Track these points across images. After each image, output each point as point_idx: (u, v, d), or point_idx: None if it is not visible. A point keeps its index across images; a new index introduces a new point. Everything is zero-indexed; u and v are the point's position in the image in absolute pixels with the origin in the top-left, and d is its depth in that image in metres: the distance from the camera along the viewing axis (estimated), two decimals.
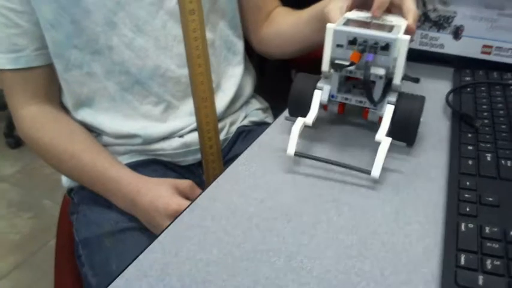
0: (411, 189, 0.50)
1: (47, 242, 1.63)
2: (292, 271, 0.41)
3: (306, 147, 0.59)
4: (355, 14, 0.58)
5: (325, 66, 0.55)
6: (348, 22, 0.55)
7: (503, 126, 0.57)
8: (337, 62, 0.52)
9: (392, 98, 0.54)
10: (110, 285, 0.40)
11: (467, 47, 0.77)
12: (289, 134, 0.55)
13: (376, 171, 0.50)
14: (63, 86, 0.75)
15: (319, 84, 0.58)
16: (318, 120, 0.59)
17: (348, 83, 0.58)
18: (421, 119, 0.55)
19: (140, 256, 0.43)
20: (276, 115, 0.93)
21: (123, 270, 0.41)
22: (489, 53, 0.76)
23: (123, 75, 0.73)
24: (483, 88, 0.68)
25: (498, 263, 0.38)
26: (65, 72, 0.73)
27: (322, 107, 0.59)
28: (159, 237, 0.45)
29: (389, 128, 0.54)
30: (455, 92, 0.68)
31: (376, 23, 0.55)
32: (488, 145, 0.54)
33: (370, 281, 0.39)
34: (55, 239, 0.87)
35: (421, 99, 0.55)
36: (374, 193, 0.50)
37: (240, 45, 0.85)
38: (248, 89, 0.89)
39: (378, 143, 0.52)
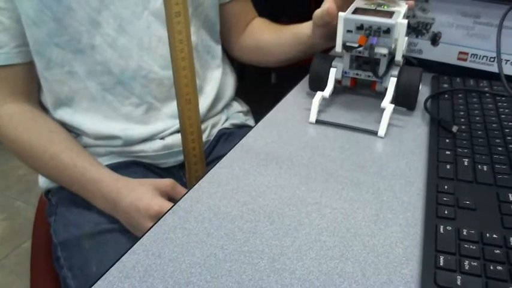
0: (391, 192, 0.51)
1: (21, 244, 1.59)
2: (275, 272, 0.41)
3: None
4: (362, 2, 0.67)
5: (338, 47, 0.65)
6: (356, 10, 0.64)
7: (480, 132, 0.59)
8: (348, 44, 0.63)
9: (395, 71, 0.65)
10: (92, 287, 0.40)
11: (444, 53, 0.79)
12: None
13: (382, 131, 0.61)
14: (43, 84, 0.74)
15: (333, 63, 0.68)
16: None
17: (358, 61, 0.67)
18: (420, 87, 0.65)
19: (122, 258, 0.43)
20: (256, 118, 0.94)
21: (105, 272, 0.41)
22: (465, 60, 0.78)
23: (105, 75, 0.73)
24: (460, 95, 0.69)
25: (475, 263, 0.39)
26: (46, 71, 0.72)
27: (337, 82, 0.69)
28: (142, 239, 0.45)
29: (393, 96, 0.64)
30: (433, 98, 0.69)
31: (380, 10, 0.64)
32: (466, 150, 0.55)
33: (352, 281, 0.40)
34: (29, 241, 0.85)
35: (419, 71, 0.65)
36: (355, 196, 0.50)
37: (218, 50, 0.87)
38: (229, 92, 0.89)
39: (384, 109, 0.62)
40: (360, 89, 0.73)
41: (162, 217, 0.48)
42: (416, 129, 0.63)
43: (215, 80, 0.85)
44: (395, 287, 0.39)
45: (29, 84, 0.74)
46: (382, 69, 0.65)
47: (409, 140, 0.61)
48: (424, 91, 0.73)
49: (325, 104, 0.70)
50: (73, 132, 0.77)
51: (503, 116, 0.63)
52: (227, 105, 0.89)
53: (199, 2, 0.78)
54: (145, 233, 0.46)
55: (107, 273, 0.41)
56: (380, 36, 0.61)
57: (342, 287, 0.40)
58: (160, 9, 0.67)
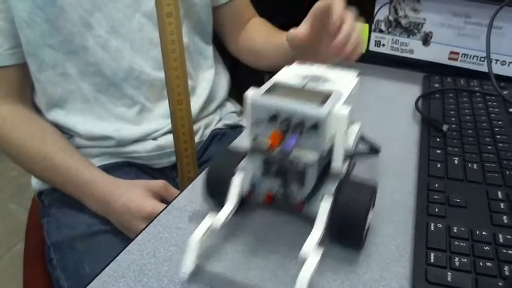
0: (383, 191, 0.52)
1: (13, 246, 1.59)
2: (275, 263, 0.41)
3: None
4: (291, 72, 0.47)
5: (248, 141, 0.41)
6: (275, 88, 0.42)
7: (470, 131, 0.60)
8: (255, 142, 0.40)
9: (329, 188, 0.42)
10: (87, 287, 0.40)
11: (435, 53, 0.80)
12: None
13: None
14: (36, 86, 0.74)
15: (240, 167, 0.45)
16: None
17: (275, 166, 0.42)
18: (370, 216, 0.42)
19: (117, 257, 0.43)
20: None
21: (100, 272, 0.41)
22: (456, 59, 0.79)
23: (97, 77, 0.73)
24: (451, 94, 0.70)
25: (465, 260, 0.39)
26: (39, 72, 0.72)
27: (245, 195, 0.44)
28: (136, 239, 0.45)
29: (328, 226, 0.41)
30: (425, 97, 0.70)
31: (310, 88, 0.43)
32: (456, 149, 0.56)
33: (345, 279, 0.40)
34: (22, 243, 0.85)
35: (369, 189, 0.42)
36: None
37: (209, 50, 0.87)
38: (221, 92, 0.89)
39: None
40: (280, 208, 0.48)
41: (155, 217, 0.48)
42: (407, 128, 0.64)
43: (207, 81, 0.85)
44: (387, 283, 0.40)
45: (22, 85, 0.74)
46: (309, 183, 0.40)
47: (400, 139, 0.61)
48: (415, 90, 0.74)
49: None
50: (66, 133, 0.77)
51: (492, 115, 0.64)
52: (220, 106, 0.90)
53: (191, 3, 0.79)
54: (140, 232, 0.46)
55: (102, 272, 0.41)
56: (303, 133, 0.38)
57: (334, 285, 0.40)
58: (153, 11, 0.67)
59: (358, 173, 0.53)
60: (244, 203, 0.46)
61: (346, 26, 0.62)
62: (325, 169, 0.42)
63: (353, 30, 0.63)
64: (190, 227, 0.46)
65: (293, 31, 0.67)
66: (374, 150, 0.52)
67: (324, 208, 0.40)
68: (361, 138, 0.52)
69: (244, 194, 0.44)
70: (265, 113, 0.39)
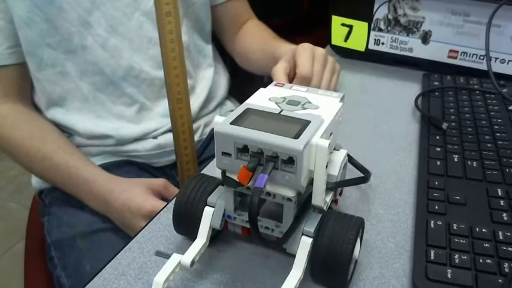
0: (382, 188, 0.52)
1: (14, 245, 1.59)
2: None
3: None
4: (269, 94, 0.42)
5: (219, 171, 0.38)
6: (246, 114, 0.38)
7: (470, 129, 0.60)
8: (228, 175, 0.37)
9: (310, 225, 0.37)
10: (88, 285, 0.40)
11: (434, 51, 0.80)
12: None
13: None
14: (36, 85, 0.74)
15: (211, 199, 0.40)
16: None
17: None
18: (357, 252, 0.38)
19: (118, 255, 0.43)
20: None
21: (100, 270, 0.41)
22: (455, 58, 0.79)
23: (96, 76, 0.73)
24: (450, 92, 0.70)
25: (465, 257, 0.39)
26: (38, 71, 0.72)
27: (221, 227, 0.41)
28: (137, 237, 0.45)
29: (308, 267, 0.38)
30: (424, 95, 0.70)
31: (287, 114, 0.38)
32: (456, 147, 0.56)
33: None
34: (22, 242, 0.85)
35: (355, 225, 0.37)
36: (347, 193, 0.51)
37: (209, 49, 0.87)
38: (221, 91, 0.90)
39: None
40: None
41: (156, 215, 0.48)
42: (407, 126, 0.64)
43: (207, 80, 0.85)
44: (387, 280, 0.40)
45: (22, 84, 0.74)
46: (287, 220, 0.37)
47: (400, 137, 0.61)
48: (415, 89, 0.74)
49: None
50: (66, 132, 0.77)
51: (492, 113, 0.64)
52: (220, 104, 0.90)
53: (190, 2, 0.79)
54: (140, 230, 0.46)
55: (103, 270, 0.41)
56: (278, 168, 0.34)
57: None
58: (152, 10, 0.67)
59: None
60: (220, 234, 0.44)
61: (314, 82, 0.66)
62: (306, 202, 0.38)
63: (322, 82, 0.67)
64: None
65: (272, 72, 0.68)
66: (362, 179, 0.43)
67: (303, 248, 0.37)
68: (351, 162, 0.48)
69: (218, 227, 0.40)
70: (233, 144, 0.35)
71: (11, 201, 1.82)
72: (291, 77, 0.68)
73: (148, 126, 0.78)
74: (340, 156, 0.40)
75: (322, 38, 0.89)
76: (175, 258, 0.37)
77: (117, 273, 0.41)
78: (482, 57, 0.76)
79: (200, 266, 0.41)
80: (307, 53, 0.67)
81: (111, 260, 0.42)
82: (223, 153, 0.36)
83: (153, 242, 0.45)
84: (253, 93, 0.42)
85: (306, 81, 0.65)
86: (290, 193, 0.36)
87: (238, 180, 0.34)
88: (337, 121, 0.41)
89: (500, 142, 0.57)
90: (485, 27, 0.70)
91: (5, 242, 1.61)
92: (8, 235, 1.64)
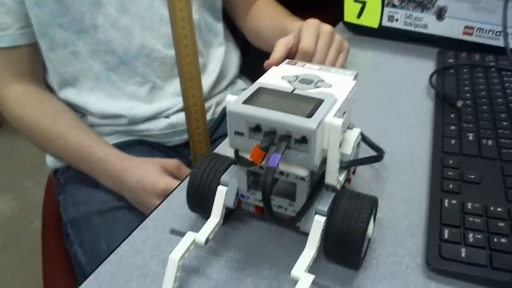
0: (396, 167, 0.51)
1: (31, 224, 1.62)
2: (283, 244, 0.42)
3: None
4: (281, 73, 0.41)
5: (231, 150, 0.38)
6: (259, 93, 0.37)
7: (485, 107, 0.59)
8: (240, 154, 0.37)
9: (323, 204, 0.37)
10: (104, 261, 0.41)
11: (449, 28, 0.78)
12: None
13: None
14: (48, 65, 0.74)
15: (224, 178, 0.40)
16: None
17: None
18: (370, 230, 0.38)
19: (133, 233, 0.44)
20: None
21: (117, 247, 0.42)
22: (471, 34, 0.77)
23: (108, 55, 0.73)
24: (465, 70, 0.69)
25: (479, 236, 0.39)
26: (50, 52, 0.72)
27: (235, 206, 0.41)
28: (152, 215, 0.46)
29: (322, 246, 0.38)
30: (439, 73, 0.69)
31: (300, 93, 0.37)
32: (470, 125, 0.55)
33: None
34: (39, 220, 0.86)
35: (368, 203, 0.37)
36: (360, 172, 0.51)
37: (220, 27, 0.86)
38: (233, 69, 0.89)
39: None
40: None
41: (169, 194, 0.49)
42: (421, 104, 0.63)
43: (218, 58, 0.85)
44: (400, 259, 0.40)
45: (34, 65, 0.74)
46: (300, 200, 0.37)
47: (414, 115, 0.61)
48: (429, 66, 0.73)
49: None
50: (79, 112, 0.78)
51: (508, 91, 0.63)
52: (231, 83, 0.89)
53: None
54: (154, 209, 0.47)
55: (118, 248, 0.42)
56: (291, 147, 0.34)
57: None
58: None
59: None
60: (234, 212, 0.44)
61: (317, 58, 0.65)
62: (319, 181, 0.38)
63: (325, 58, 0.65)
64: None
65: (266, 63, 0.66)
66: (376, 157, 0.44)
67: (316, 227, 0.37)
68: (364, 140, 0.48)
69: (231, 205, 0.40)
70: (246, 124, 0.35)
71: (26, 180, 1.85)
72: (294, 52, 0.66)
73: (161, 105, 0.78)
74: (353, 135, 0.40)
75: (334, 14, 0.87)
76: (189, 236, 0.38)
77: (132, 251, 0.42)
78: (498, 34, 0.75)
79: (214, 244, 0.42)
80: (311, 29, 0.66)
81: (126, 238, 0.43)
82: (236, 133, 0.36)
83: (167, 220, 0.45)
84: (265, 72, 0.42)
85: (308, 57, 0.64)
86: (303, 172, 0.36)
87: (251, 160, 0.34)
88: (351, 99, 0.40)
89: None
90: (502, 2, 0.68)
91: (22, 220, 1.64)
92: (25, 213, 1.67)
